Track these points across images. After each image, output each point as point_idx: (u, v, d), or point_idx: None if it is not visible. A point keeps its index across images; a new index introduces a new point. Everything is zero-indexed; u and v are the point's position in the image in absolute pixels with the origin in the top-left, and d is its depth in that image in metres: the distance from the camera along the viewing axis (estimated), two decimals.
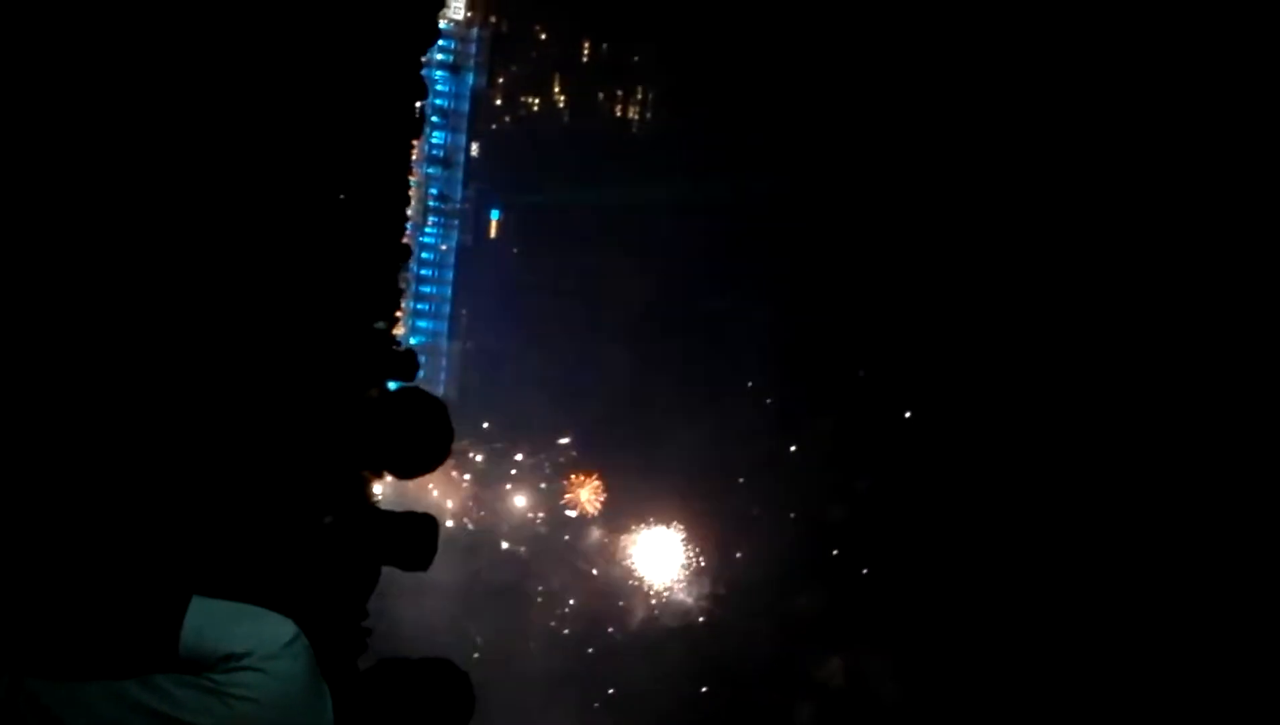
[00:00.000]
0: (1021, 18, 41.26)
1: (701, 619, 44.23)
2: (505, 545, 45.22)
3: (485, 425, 45.24)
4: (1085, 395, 38.74)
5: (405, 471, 2.82)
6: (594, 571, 44.76)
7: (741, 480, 45.37)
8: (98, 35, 3.02)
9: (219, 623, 1.88)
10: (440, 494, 42.31)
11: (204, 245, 3.40)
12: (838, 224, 45.65)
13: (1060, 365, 39.79)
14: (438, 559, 3.10)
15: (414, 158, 49.22)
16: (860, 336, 44.54)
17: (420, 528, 2.84)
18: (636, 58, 54.18)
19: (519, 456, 45.75)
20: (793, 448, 45.26)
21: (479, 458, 45.17)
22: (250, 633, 1.89)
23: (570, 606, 44.37)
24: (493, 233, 53.57)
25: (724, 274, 48.46)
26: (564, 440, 45.38)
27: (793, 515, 43.98)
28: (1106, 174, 39.82)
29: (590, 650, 43.41)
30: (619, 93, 55.13)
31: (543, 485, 45.55)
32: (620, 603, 44.78)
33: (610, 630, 44.00)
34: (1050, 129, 40.87)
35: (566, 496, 44.26)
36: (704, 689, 42.36)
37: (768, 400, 46.42)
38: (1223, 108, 37.32)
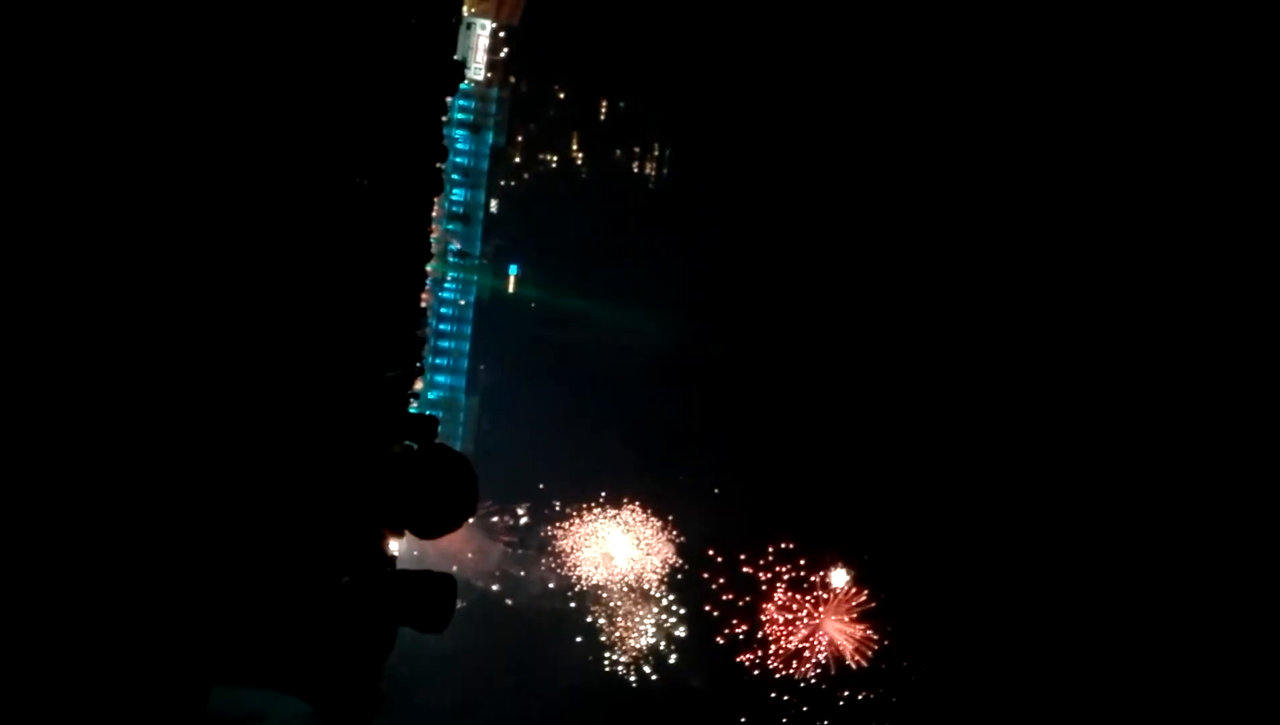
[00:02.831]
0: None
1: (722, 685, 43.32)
2: (520, 608, 44.61)
3: (502, 482, 45.06)
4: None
5: (429, 530, 2.78)
6: (610, 638, 44.02)
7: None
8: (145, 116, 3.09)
9: (241, 693, 2.01)
10: (454, 554, 42.00)
11: (227, 307, 3.42)
12: (846, 277, 45.96)
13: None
14: (452, 626, 3.05)
15: (434, 214, 49.97)
16: (877, 397, 44.37)
17: (437, 588, 2.79)
18: (652, 115, 55.19)
19: (533, 516, 45.39)
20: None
21: (495, 518, 44.86)
22: (270, 700, 2.01)
23: (583, 675, 43.55)
24: (511, 287, 54.07)
25: (739, 327, 48.65)
26: (579, 504, 44.93)
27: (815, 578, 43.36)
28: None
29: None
30: (635, 149, 56.02)
31: (557, 547, 45.10)
32: (631, 677, 44.00)
33: (625, 704, 43.15)
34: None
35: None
36: None
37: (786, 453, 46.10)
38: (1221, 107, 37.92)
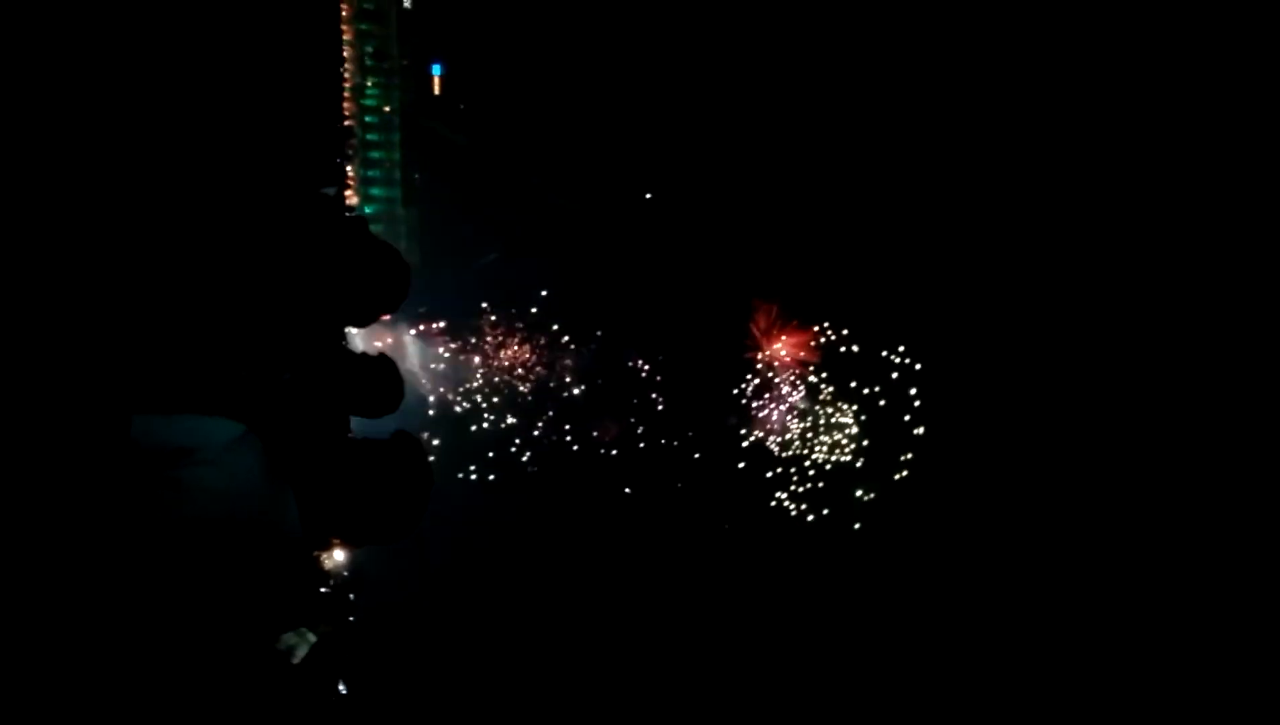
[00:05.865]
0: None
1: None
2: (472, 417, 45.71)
3: (450, 291, 44.83)
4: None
5: (359, 319, 2.96)
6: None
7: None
8: None
9: (164, 423, 1.98)
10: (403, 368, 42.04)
11: (145, 123, 3.40)
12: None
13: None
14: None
15: (344, 14, 46.41)
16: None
17: (379, 370, 2.98)
18: None
19: (483, 324, 45.65)
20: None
21: (441, 325, 45.01)
22: (195, 429, 1.99)
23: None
24: (437, 90, 51.36)
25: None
26: (531, 308, 45.22)
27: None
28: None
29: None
30: None
31: (503, 353, 45.75)
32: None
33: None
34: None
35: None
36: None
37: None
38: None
